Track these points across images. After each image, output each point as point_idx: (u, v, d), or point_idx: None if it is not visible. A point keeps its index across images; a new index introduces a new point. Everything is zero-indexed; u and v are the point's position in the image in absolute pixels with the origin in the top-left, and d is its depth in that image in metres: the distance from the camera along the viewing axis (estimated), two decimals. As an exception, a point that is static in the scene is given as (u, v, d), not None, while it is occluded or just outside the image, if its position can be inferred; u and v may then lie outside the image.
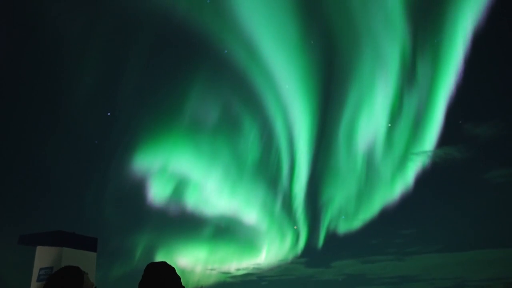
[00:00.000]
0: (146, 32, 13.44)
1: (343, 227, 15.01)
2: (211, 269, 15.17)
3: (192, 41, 13.53)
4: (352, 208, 14.95)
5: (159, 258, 12.02)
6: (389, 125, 15.16)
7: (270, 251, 15.42)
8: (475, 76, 14.30)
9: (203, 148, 14.60)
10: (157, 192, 14.19)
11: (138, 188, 13.99)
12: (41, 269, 3.73)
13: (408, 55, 14.29)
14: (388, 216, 14.78)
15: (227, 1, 13.34)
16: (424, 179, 14.88)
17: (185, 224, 14.62)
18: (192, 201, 14.50)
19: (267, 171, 15.28)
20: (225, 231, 15.03)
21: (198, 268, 14.90)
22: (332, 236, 15.10)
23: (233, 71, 14.25)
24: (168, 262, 2.12)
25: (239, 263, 15.30)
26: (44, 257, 3.77)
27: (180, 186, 14.44)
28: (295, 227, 15.52)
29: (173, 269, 2.10)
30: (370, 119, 15.27)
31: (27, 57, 12.69)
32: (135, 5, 12.76)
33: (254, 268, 15.34)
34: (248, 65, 14.24)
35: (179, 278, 2.07)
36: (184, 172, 14.52)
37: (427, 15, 13.67)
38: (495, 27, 13.16)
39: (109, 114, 14.71)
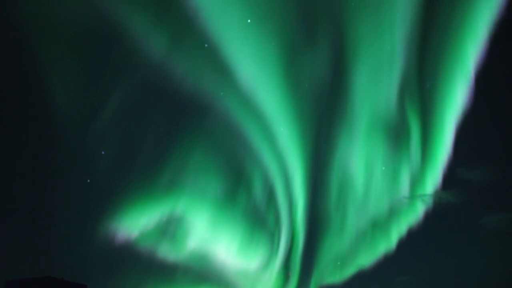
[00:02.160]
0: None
1: (338, 276, 14.66)
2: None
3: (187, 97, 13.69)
4: (348, 255, 14.65)
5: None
6: (383, 168, 15.12)
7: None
8: (467, 123, 14.44)
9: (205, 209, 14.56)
10: (150, 244, 13.95)
11: (126, 243, 13.71)
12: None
13: (399, 104, 14.50)
14: (384, 264, 14.48)
15: (223, 48, 13.59)
16: (420, 224, 14.70)
17: (188, 274, 14.26)
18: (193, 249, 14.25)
19: (264, 219, 15.08)
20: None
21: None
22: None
23: (228, 119, 14.33)
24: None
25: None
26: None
27: (179, 235, 14.24)
28: (289, 274, 15.14)
29: None
30: (364, 161, 15.24)
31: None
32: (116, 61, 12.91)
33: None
34: (242, 111, 14.39)
35: None
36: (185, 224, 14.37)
37: (421, 61, 14.01)
38: (492, 73, 13.46)
39: (103, 153, 14.52)
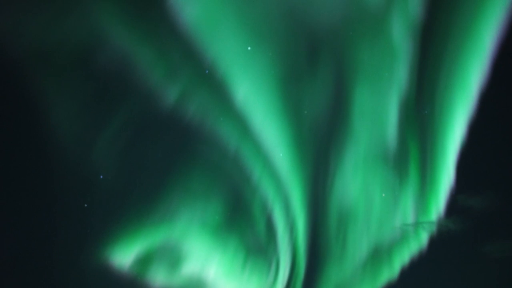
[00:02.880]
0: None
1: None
2: None
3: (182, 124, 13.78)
4: (349, 284, 14.35)
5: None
6: (383, 194, 15.02)
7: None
8: (467, 149, 14.43)
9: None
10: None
11: (120, 270, 13.48)
12: None
13: (399, 130, 14.56)
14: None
15: (223, 74, 13.73)
16: (423, 252, 14.50)
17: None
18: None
19: (263, 246, 14.87)
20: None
21: None
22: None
23: (227, 145, 14.34)
24: None
25: None
26: None
27: (174, 262, 14.02)
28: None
29: None
30: (364, 187, 15.16)
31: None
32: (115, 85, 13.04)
33: None
34: (241, 137, 14.40)
35: None
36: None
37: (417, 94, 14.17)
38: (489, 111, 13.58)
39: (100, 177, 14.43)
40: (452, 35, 13.72)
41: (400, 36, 13.77)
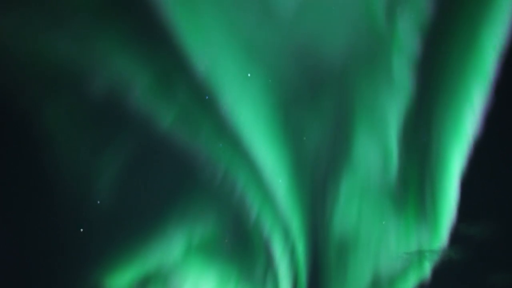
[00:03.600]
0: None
1: None
2: None
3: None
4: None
5: None
6: (383, 222, 14.81)
7: None
8: (468, 177, 14.32)
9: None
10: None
11: None
12: None
13: (399, 159, 14.52)
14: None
15: (222, 100, 13.79)
16: (426, 283, 14.17)
17: None
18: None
19: (261, 277, 14.57)
20: None
21: None
22: None
23: (225, 171, 14.26)
24: None
25: None
26: None
27: None
28: None
29: None
30: (364, 215, 14.97)
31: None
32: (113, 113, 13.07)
33: None
34: (239, 163, 14.36)
35: None
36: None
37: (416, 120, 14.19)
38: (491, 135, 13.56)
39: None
40: (450, 67, 13.88)
41: (400, 70, 13.96)
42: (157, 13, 12.63)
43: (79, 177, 13.27)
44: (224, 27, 13.60)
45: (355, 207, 14.74)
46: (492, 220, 14.00)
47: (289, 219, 14.86)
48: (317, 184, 14.82)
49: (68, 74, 12.48)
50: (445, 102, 13.97)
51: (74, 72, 12.45)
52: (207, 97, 13.86)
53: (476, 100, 13.38)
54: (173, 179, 14.28)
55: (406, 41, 13.78)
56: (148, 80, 13.07)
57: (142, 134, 13.29)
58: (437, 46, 13.63)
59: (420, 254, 14.36)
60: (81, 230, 13.92)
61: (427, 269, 14.18)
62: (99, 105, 12.75)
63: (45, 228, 13.49)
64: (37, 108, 12.38)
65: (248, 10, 13.44)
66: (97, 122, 13.01)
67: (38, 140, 12.67)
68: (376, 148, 14.52)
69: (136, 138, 13.28)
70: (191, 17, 13.07)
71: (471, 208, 14.47)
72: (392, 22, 13.92)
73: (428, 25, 13.78)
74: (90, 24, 12.39)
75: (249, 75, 13.81)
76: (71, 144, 13.04)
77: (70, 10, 12.27)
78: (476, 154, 13.81)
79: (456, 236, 14.23)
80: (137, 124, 13.05)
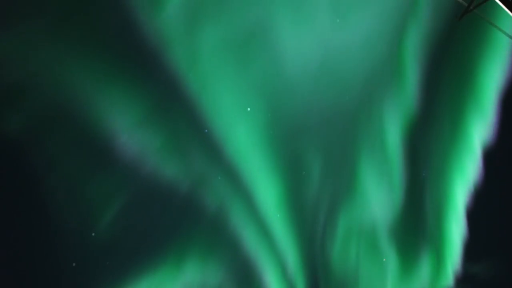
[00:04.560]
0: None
1: None
2: None
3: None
4: None
5: None
6: (384, 259, 14.41)
7: None
8: (474, 215, 14.09)
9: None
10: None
11: None
12: None
13: (403, 195, 14.37)
14: None
15: (222, 134, 13.81)
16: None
17: None
18: None
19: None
20: None
21: None
22: None
23: (222, 205, 14.08)
24: None
25: None
26: None
27: None
28: None
29: None
30: (365, 253, 14.59)
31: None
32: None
33: None
34: (237, 197, 14.20)
35: None
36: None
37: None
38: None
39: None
40: (451, 104, 13.92)
41: (403, 104, 14.01)
42: (159, 53, 12.82)
43: (76, 210, 13.11)
44: (226, 65, 13.80)
45: (355, 243, 14.43)
46: (494, 260, 13.65)
47: (287, 254, 14.51)
48: (316, 219, 14.57)
49: (72, 112, 12.54)
50: (446, 138, 13.97)
51: (76, 110, 12.55)
52: (206, 131, 13.93)
53: (477, 138, 13.37)
54: (168, 216, 14.00)
55: (401, 106, 14.00)
56: (144, 113, 13.11)
57: (138, 170, 13.19)
58: (437, 83, 13.80)
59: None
60: (73, 264, 13.59)
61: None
62: (97, 142, 12.73)
63: (37, 259, 13.20)
64: (39, 143, 12.39)
65: (250, 51, 13.67)
66: (95, 159, 12.94)
67: (39, 175, 12.62)
68: (379, 184, 14.37)
69: (132, 176, 13.14)
70: (192, 59, 13.26)
71: (477, 246, 14.13)
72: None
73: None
74: (96, 68, 12.58)
75: (248, 109, 13.94)
76: (70, 180, 12.97)
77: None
78: (479, 191, 13.63)
79: (462, 274, 13.82)
80: (132, 160, 12.99)
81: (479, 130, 13.51)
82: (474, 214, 14.07)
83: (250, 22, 13.62)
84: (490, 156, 13.72)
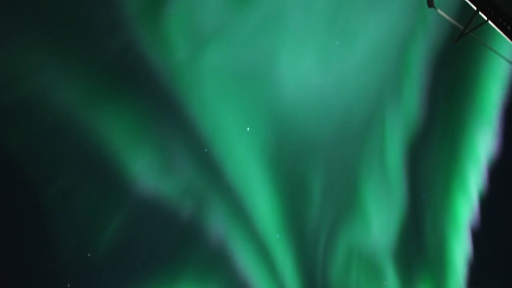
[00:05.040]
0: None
1: None
2: None
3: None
4: None
5: None
6: (385, 282, 14.16)
7: None
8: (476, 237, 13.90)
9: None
10: None
11: None
12: None
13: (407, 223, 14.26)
14: None
15: (221, 153, 13.82)
16: None
17: None
18: None
19: None
20: None
21: None
22: None
23: (220, 227, 13.94)
24: None
25: None
26: None
27: None
28: None
29: None
30: (367, 276, 14.34)
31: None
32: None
33: None
34: (236, 218, 14.09)
35: None
36: None
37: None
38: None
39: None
40: (453, 119, 13.92)
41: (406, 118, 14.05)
42: (163, 75, 12.91)
43: (73, 230, 12.94)
44: (227, 85, 13.94)
45: (356, 265, 14.19)
46: (505, 280, 13.36)
47: (286, 276, 14.23)
48: (317, 241, 14.36)
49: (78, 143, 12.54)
50: (448, 155, 13.92)
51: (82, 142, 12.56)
52: (206, 150, 13.94)
53: (481, 153, 13.27)
54: (165, 236, 13.77)
55: (400, 128, 14.12)
56: (143, 132, 13.09)
57: (137, 189, 13.08)
58: (438, 103, 13.90)
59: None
60: (68, 285, 13.33)
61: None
62: (96, 162, 12.68)
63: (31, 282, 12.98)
64: (38, 160, 12.35)
65: (251, 72, 13.82)
66: (94, 178, 12.88)
67: (37, 192, 12.54)
68: (380, 206, 14.23)
69: (130, 195, 13.03)
70: (195, 80, 13.38)
71: (482, 267, 13.83)
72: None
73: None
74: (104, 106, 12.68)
75: (248, 129, 14.00)
76: (67, 198, 12.87)
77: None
78: (484, 207, 13.44)
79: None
80: (131, 180, 12.91)
81: (483, 145, 13.47)
82: (479, 232, 13.85)
83: (252, 45, 13.87)
84: (495, 170, 13.57)
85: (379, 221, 14.56)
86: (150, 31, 12.71)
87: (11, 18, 11.17)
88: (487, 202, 13.77)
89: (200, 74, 13.77)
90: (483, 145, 13.57)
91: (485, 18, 3.89)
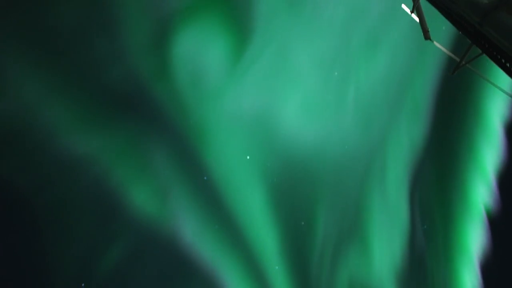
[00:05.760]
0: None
1: None
2: None
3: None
4: None
5: None
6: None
7: None
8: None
9: None
10: None
11: None
12: None
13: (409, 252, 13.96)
14: None
15: (220, 181, 13.70)
16: None
17: None
18: None
19: None
20: None
21: None
22: None
23: (218, 258, 13.62)
24: None
25: None
26: None
27: None
28: None
29: None
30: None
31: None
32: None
33: None
34: (234, 247, 13.77)
35: None
36: None
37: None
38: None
39: None
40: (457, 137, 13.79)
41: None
42: (165, 110, 12.98)
43: (70, 259, 12.66)
44: (226, 113, 13.99)
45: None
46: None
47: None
48: (317, 272, 13.94)
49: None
50: (455, 172, 13.75)
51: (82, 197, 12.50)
52: (205, 178, 13.82)
53: (488, 165, 13.08)
54: (162, 266, 13.35)
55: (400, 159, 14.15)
56: (143, 162, 13.02)
57: (134, 223, 12.83)
58: (440, 132, 13.86)
59: None
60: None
61: None
62: (94, 192, 12.56)
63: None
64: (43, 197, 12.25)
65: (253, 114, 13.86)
66: (94, 208, 12.71)
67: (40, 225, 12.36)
68: (383, 236, 13.93)
69: (128, 228, 12.78)
70: (194, 113, 13.44)
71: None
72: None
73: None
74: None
75: (248, 157, 13.93)
76: (67, 227, 12.67)
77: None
78: (494, 238, 13.08)
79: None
80: (128, 213, 12.70)
81: (490, 165, 13.30)
82: (489, 261, 13.41)
83: (255, 83, 14.01)
84: (504, 190, 13.26)
85: (381, 252, 14.21)
86: (153, 63, 12.90)
87: (13, 54, 11.33)
88: (496, 230, 13.42)
89: (200, 103, 13.88)
90: (489, 165, 13.45)
91: (480, 51, 3.89)
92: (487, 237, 13.32)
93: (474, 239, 13.47)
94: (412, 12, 5.71)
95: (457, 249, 13.86)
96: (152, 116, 12.93)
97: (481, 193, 13.30)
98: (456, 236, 13.85)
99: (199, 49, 13.11)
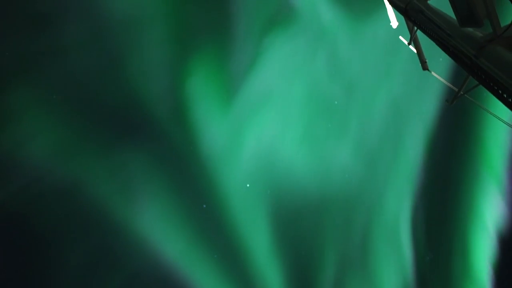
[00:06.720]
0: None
1: None
2: None
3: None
4: None
5: None
6: None
7: None
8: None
9: None
10: None
11: None
12: None
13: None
14: None
15: (220, 210, 13.55)
16: None
17: None
18: None
19: None
20: None
21: None
22: None
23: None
24: None
25: None
26: None
27: None
28: None
29: None
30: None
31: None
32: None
33: None
34: (233, 274, 13.42)
35: None
36: None
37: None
38: None
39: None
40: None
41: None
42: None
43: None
44: (226, 142, 13.97)
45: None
46: None
47: None
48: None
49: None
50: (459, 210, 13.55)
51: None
52: (204, 206, 13.65)
53: (488, 220, 12.93)
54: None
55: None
56: (141, 188, 12.93)
57: (132, 256, 12.56)
58: (442, 163, 13.83)
59: None
60: None
61: None
62: (94, 222, 12.44)
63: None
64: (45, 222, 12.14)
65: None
66: (93, 239, 12.51)
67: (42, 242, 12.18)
68: (388, 265, 13.62)
69: (127, 262, 12.50)
70: (193, 141, 13.49)
71: None
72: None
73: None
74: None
75: (248, 185, 13.82)
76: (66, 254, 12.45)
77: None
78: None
79: None
80: (127, 247, 12.46)
81: (490, 213, 13.17)
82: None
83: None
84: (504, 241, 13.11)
85: (385, 282, 13.84)
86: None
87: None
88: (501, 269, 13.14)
89: (201, 133, 13.96)
90: (490, 213, 13.36)
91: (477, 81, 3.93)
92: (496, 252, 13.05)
93: (483, 262, 13.19)
94: (409, 44, 5.83)
95: (461, 276, 13.54)
96: (150, 142, 13.00)
97: (489, 215, 13.13)
98: (461, 261, 13.57)
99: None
